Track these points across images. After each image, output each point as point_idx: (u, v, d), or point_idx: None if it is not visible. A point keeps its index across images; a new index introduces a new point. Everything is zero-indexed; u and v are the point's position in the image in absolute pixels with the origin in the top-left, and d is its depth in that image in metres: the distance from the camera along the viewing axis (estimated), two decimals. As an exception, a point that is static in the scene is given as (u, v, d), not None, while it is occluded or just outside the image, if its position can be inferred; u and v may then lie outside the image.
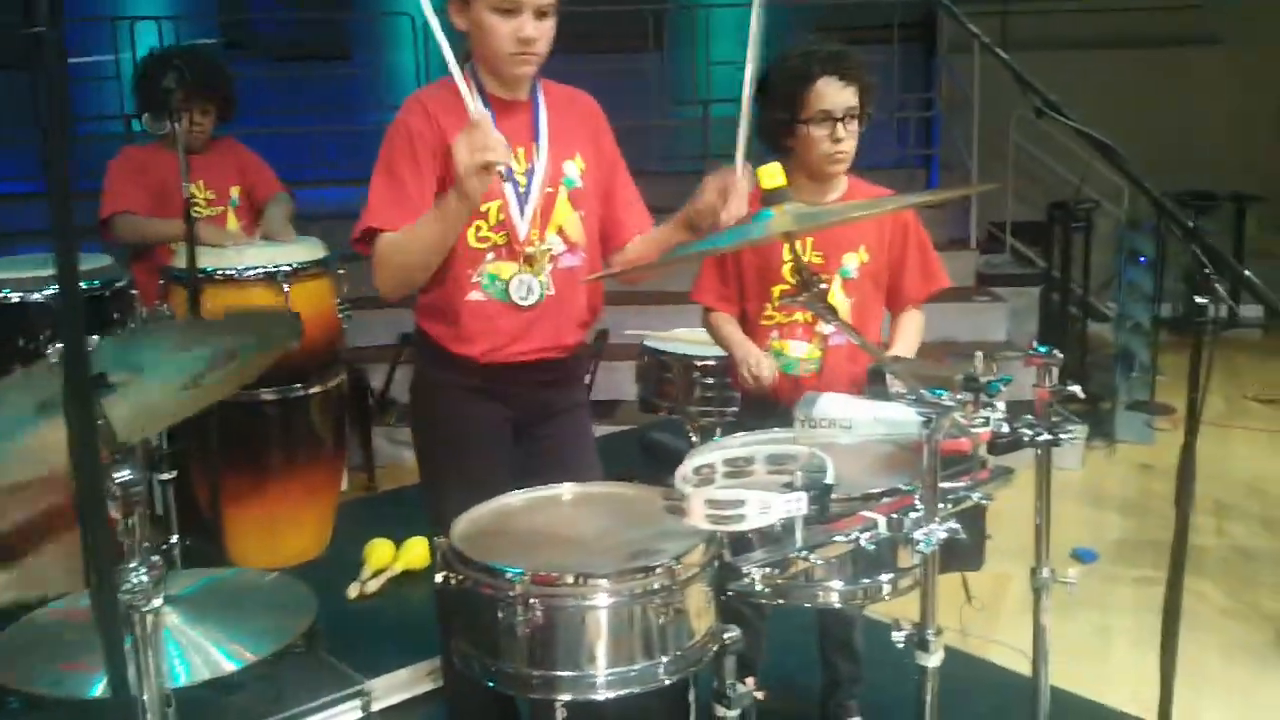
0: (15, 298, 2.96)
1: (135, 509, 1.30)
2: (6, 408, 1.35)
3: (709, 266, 2.53)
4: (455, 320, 2.20)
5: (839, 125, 2.37)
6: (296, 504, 3.65)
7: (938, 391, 1.62)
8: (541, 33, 2.10)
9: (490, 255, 2.17)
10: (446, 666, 2.47)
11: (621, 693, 1.57)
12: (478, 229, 2.15)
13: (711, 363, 3.31)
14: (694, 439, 3.38)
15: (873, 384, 1.86)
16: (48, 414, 1.32)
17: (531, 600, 1.55)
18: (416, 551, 3.49)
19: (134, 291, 3.24)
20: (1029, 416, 1.91)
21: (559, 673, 1.57)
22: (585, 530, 1.80)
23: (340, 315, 3.67)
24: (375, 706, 2.67)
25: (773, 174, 1.68)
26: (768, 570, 1.64)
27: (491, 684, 1.62)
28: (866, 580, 1.76)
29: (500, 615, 1.57)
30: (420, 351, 2.33)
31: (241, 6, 8.88)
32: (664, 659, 1.59)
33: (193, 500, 3.47)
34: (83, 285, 3.06)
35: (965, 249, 6.42)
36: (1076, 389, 1.98)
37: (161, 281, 3.47)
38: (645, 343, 3.58)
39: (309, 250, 3.59)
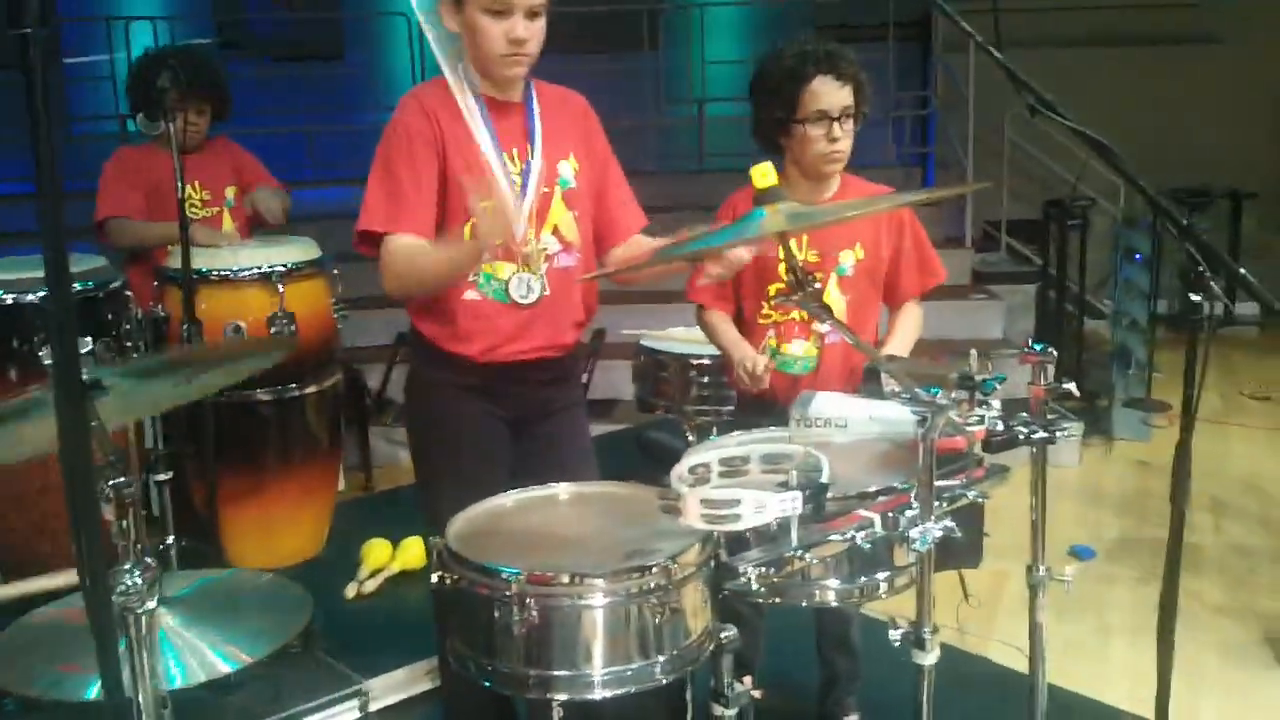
0: (10, 299, 2.95)
1: (129, 511, 1.30)
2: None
3: None
4: (451, 319, 2.20)
5: (835, 125, 2.36)
6: (293, 504, 3.65)
7: (932, 390, 1.62)
8: (532, 33, 2.11)
9: (486, 255, 2.16)
10: (444, 666, 2.47)
11: (618, 692, 1.57)
12: (474, 228, 2.15)
13: (708, 362, 3.31)
14: (691, 438, 3.38)
15: (868, 382, 1.86)
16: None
17: (527, 600, 1.55)
18: (413, 551, 3.49)
19: (128, 293, 3.24)
20: (1024, 414, 1.91)
21: (555, 672, 1.57)
22: (581, 530, 1.80)
23: (335, 315, 3.67)
24: (373, 706, 2.67)
25: (765, 173, 1.67)
26: (764, 569, 1.64)
27: (488, 684, 1.61)
28: (863, 579, 1.76)
29: (496, 615, 1.57)
30: (415, 351, 2.33)
31: (237, 6, 8.88)
32: (660, 658, 1.59)
33: (189, 501, 3.47)
34: (77, 287, 3.06)
35: (961, 247, 6.42)
36: (1071, 386, 1.97)
37: (156, 283, 3.47)
38: (641, 342, 3.58)
39: (304, 250, 3.59)
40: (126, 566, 1.30)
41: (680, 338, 3.53)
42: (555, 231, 2.21)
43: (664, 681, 1.60)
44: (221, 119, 3.77)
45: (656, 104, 7.65)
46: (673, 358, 3.42)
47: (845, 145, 2.40)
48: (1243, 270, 1.79)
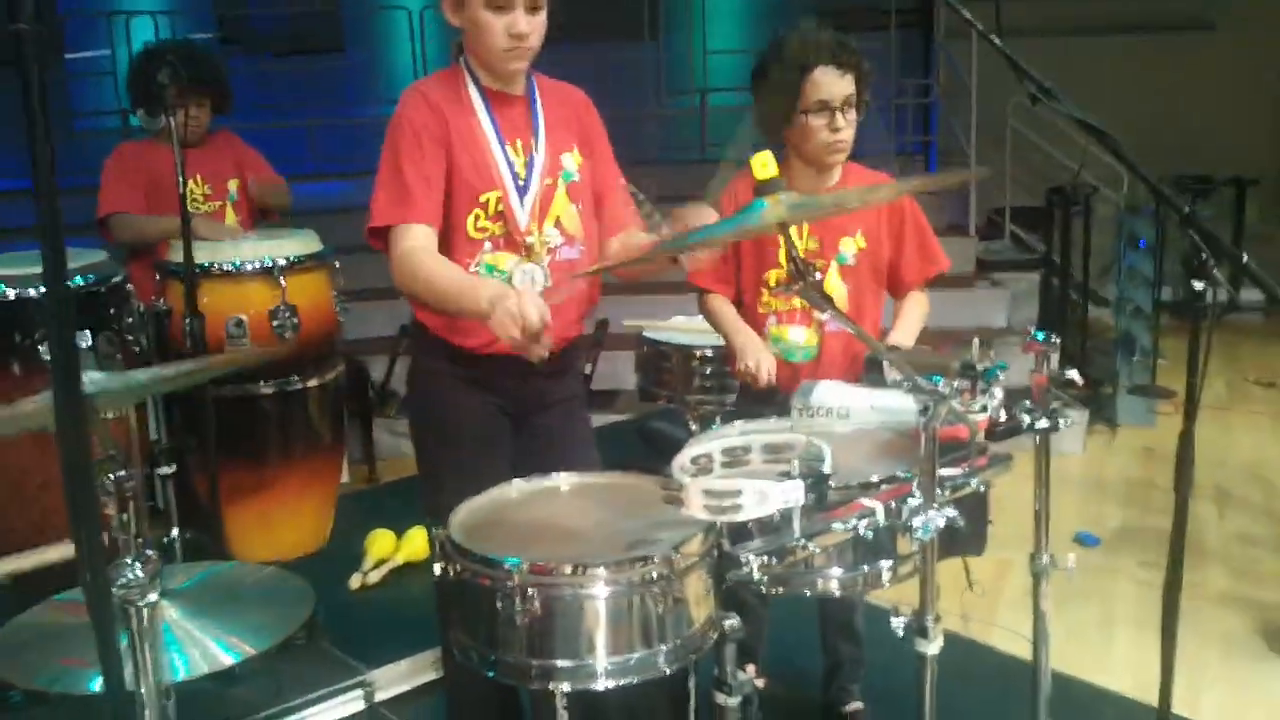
0: (11, 294, 2.95)
1: (130, 504, 1.30)
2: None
3: None
4: (453, 311, 2.20)
5: (837, 114, 2.36)
6: (295, 496, 3.65)
7: (934, 379, 1.62)
8: (534, 27, 2.10)
9: (488, 246, 2.17)
10: (447, 657, 2.48)
11: (621, 682, 1.57)
12: (476, 219, 2.15)
13: (710, 352, 3.31)
14: (693, 427, 3.38)
15: (870, 372, 1.85)
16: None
17: (530, 590, 1.55)
18: (418, 542, 3.49)
19: (130, 287, 3.24)
20: (1027, 403, 1.91)
21: (558, 662, 1.57)
22: (583, 520, 1.80)
23: (337, 308, 3.67)
24: (378, 697, 2.68)
25: (765, 163, 1.67)
26: (766, 559, 1.64)
27: (491, 674, 1.62)
28: (866, 567, 1.76)
29: (499, 606, 1.57)
30: (418, 343, 2.33)
31: (237, 1, 8.86)
32: (663, 648, 1.59)
33: (193, 494, 3.48)
34: (78, 281, 3.05)
35: (964, 236, 6.40)
36: (1074, 374, 1.97)
37: (158, 277, 3.47)
38: (644, 333, 3.58)
39: (305, 243, 3.58)
40: (128, 560, 1.30)
41: (682, 328, 3.53)
42: (558, 224, 2.21)
43: (667, 671, 1.60)
44: (222, 113, 3.77)
45: (658, 94, 7.64)
46: (675, 348, 3.42)
47: (848, 135, 2.39)
48: (1246, 257, 1.78)
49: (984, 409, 1.76)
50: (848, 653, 2.73)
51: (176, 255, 3.24)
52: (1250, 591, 3.54)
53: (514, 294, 1.85)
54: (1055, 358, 1.97)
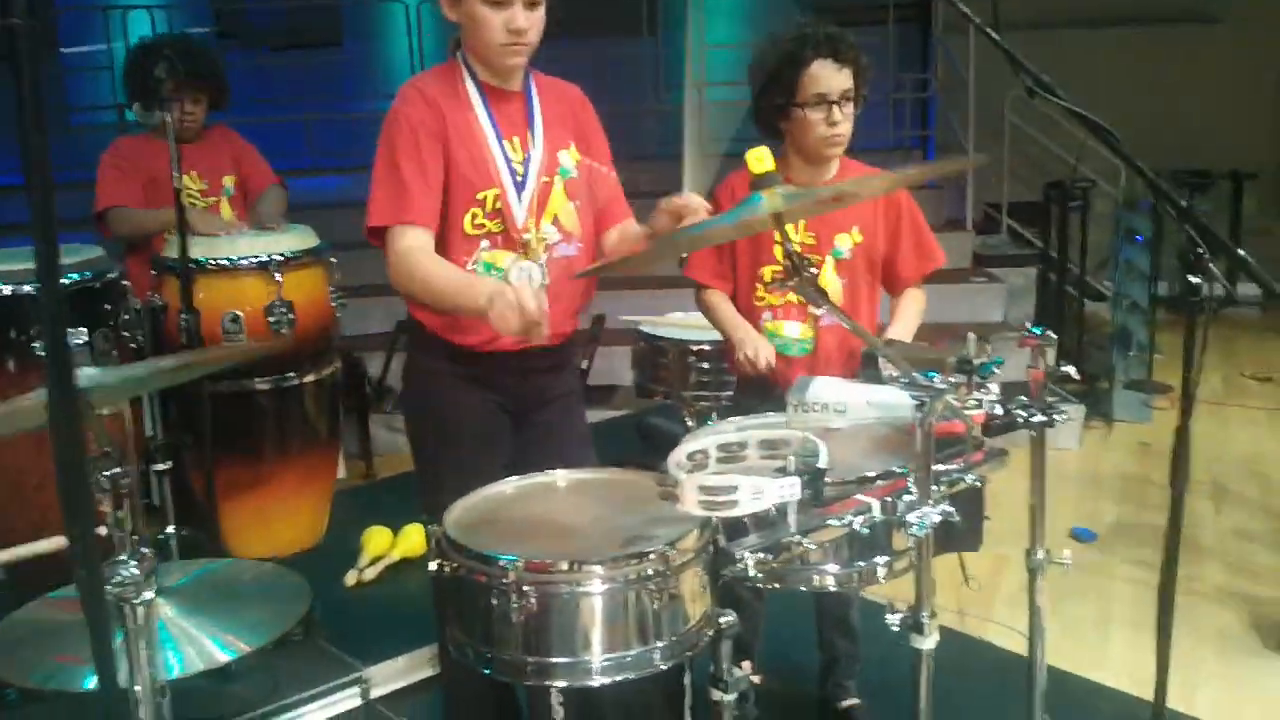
0: (7, 290, 2.95)
1: (125, 501, 1.29)
2: None
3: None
4: (451, 309, 2.19)
5: (834, 108, 2.35)
6: (291, 493, 3.65)
7: (930, 374, 1.62)
8: (532, 23, 2.10)
9: (485, 244, 2.16)
10: (444, 653, 2.48)
11: (617, 678, 1.57)
12: (473, 216, 2.15)
13: (706, 347, 3.31)
14: (690, 423, 3.38)
15: (866, 367, 1.85)
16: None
17: (525, 587, 1.55)
18: (414, 539, 3.49)
19: (126, 283, 3.23)
20: (1023, 398, 1.91)
21: (554, 659, 1.57)
22: (579, 517, 1.79)
23: (334, 304, 3.66)
24: (374, 694, 2.67)
25: (761, 158, 1.67)
26: (762, 555, 1.64)
27: (487, 671, 1.61)
28: (862, 563, 1.76)
29: (495, 603, 1.57)
30: (414, 340, 2.33)
31: (234, -6, 8.83)
32: (659, 644, 1.59)
33: (190, 491, 3.47)
34: (74, 277, 3.06)
35: (961, 230, 6.40)
36: (1071, 369, 1.97)
37: (154, 272, 3.46)
38: (640, 328, 3.58)
39: (302, 239, 3.58)
40: (122, 557, 1.30)
41: (679, 323, 3.53)
42: (555, 221, 2.21)
43: (663, 667, 1.59)
44: (218, 108, 3.76)
45: (656, 89, 7.63)
46: (672, 343, 3.42)
47: (845, 128, 2.39)
48: (1242, 252, 1.78)
49: (980, 404, 1.76)
50: (844, 648, 2.73)
51: (172, 251, 3.23)
52: (1246, 587, 3.55)
53: (511, 288, 1.86)
54: (1051, 353, 1.97)
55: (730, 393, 3.00)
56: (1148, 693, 1.97)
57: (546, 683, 1.60)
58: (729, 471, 1.79)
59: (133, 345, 3.22)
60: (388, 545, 3.53)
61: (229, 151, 3.84)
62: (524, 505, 1.84)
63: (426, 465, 2.32)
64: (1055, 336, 1.96)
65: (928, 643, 1.71)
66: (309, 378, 3.59)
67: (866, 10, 7.03)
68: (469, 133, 2.15)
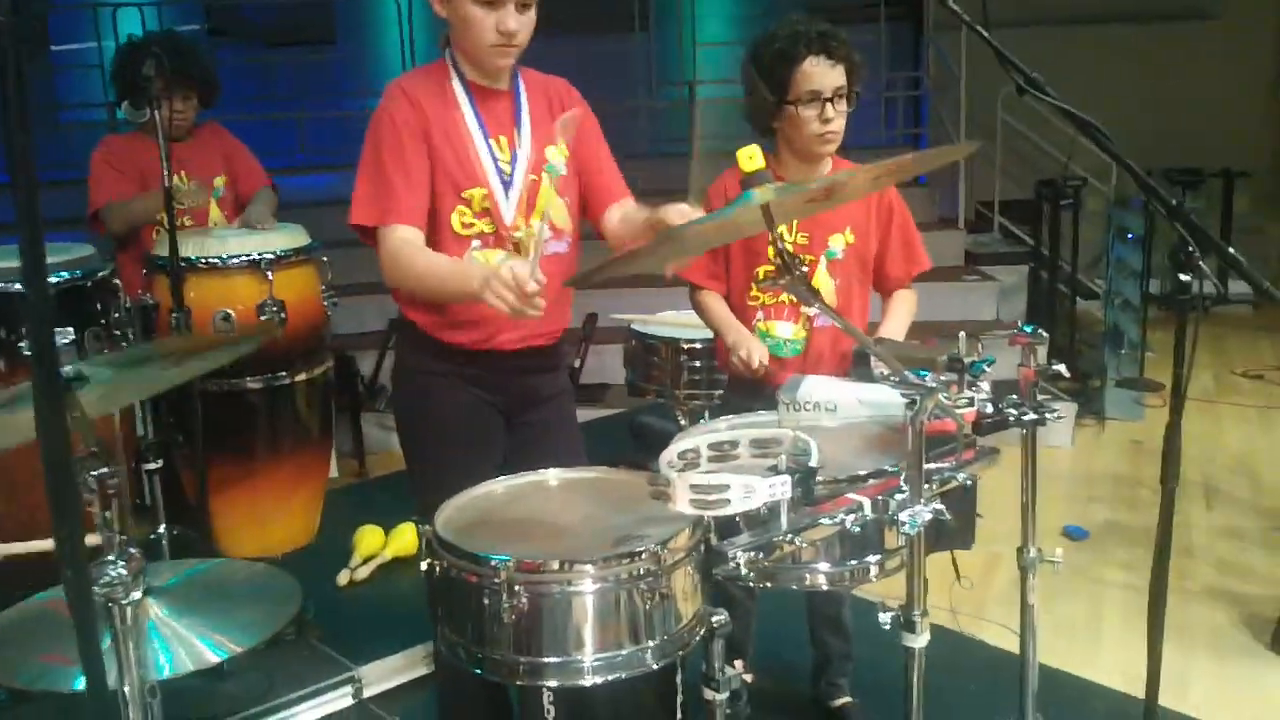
0: (-3, 288, 2.93)
1: (113, 501, 1.29)
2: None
3: None
4: (442, 309, 2.19)
5: (828, 105, 2.35)
6: (284, 492, 3.64)
7: (921, 373, 1.62)
8: (523, 25, 2.10)
9: (477, 243, 2.16)
10: (439, 652, 2.47)
11: (609, 678, 1.57)
12: (461, 215, 2.14)
13: (699, 346, 3.31)
14: (682, 422, 3.38)
15: (857, 366, 1.85)
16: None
17: (517, 587, 1.54)
18: (406, 538, 3.49)
19: (117, 281, 3.22)
20: (1014, 396, 1.91)
21: (546, 659, 1.57)
22: (570, 516, 1.79)
23: (325, 303, 3.65)
24: (366, 693, 2.68)
25: (752, 156, 1.66)
26: (753, 554, 1.63)
27: (478, 671, 1.61)
28: (854, 562, 1.76)
29: (486, 602, 1.57)
30: (405, 339, 2.32)
31: (225, -9, 8.80)
32: (651, 644, 1.59)
33: (181, 490, 3.46)
34: (64, 276, 3.04)
35: (954, 228, 6.41)
36: (1061, 368, 1.97)
37: (145, 271, 3.45)
38: (633, 327, 3.58)
39: (293, 238, 3.57)
40: (110, 558, 1.29)
41: (671, 322, 3.53)
42: (544, 218, 2.20)
43: (654, 667, 1.59)
44: (208, 106, 3.75)
45: (648, 87, 7.62)
46: (664, 342, 3.42)
47: (838, 126, 2.39)
48: (1232, 250, 1.78)
49: (971, 403, 1.77)
50: (836, 647, 2.73)
51: (163, 249, 3.22)
52: (1237, 584, 3.56)
53: (504, 266, 1.86)
54: (1043, 351, 1.97)
55: (722, 391, 3.00)
56: (1139, 690, 1.97)
57: (538, 683, 1.59)
58: (720, 470, 1.79)
59: (124, 344, 3.21)
60: (380, 544, 3.52)
61: (220, 149, 3.82)
62: (515, 505, 1.84)
63: (418, 465, 2.32)
64: (1046, 335, 1.96)
65: (920, 641, 1.71)
66: (301, 376, 3.58)
67: (858, 8, 7.03)
68: (454, 132, 2.14)
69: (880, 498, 1.67)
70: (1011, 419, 1.90)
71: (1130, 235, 5.44)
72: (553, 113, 2.24)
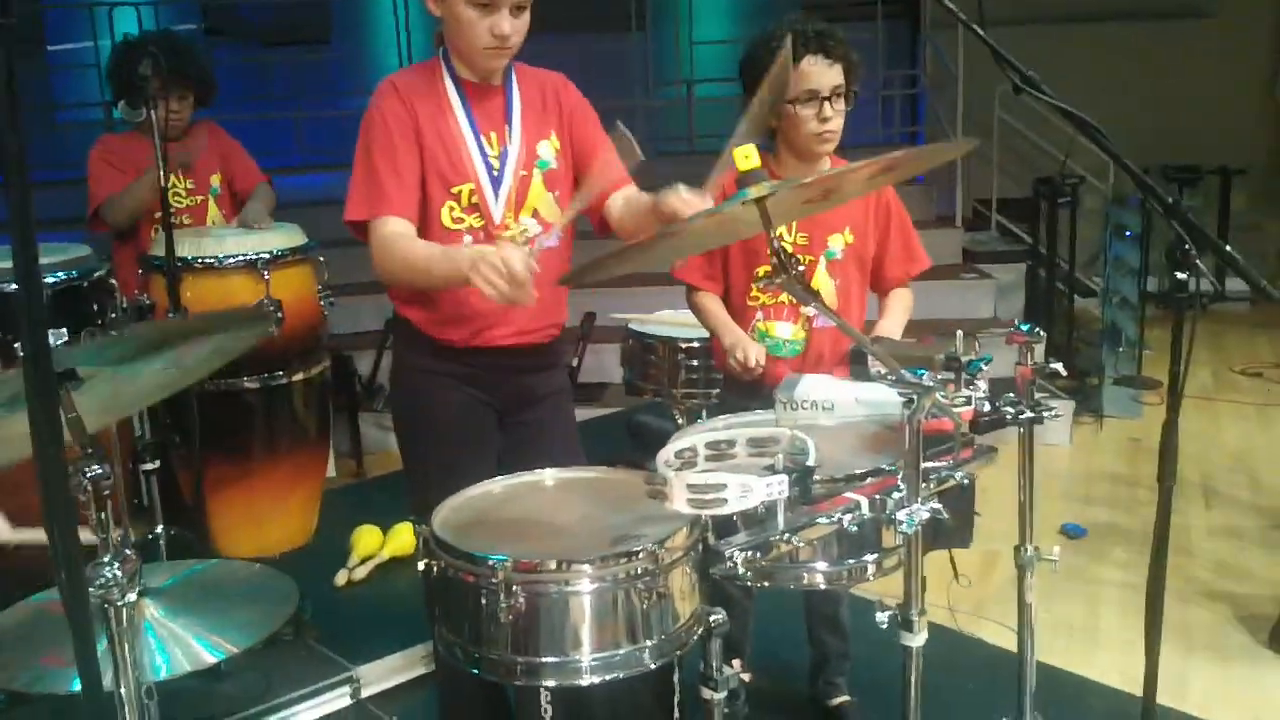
0: (-9, 289, 2.93)
1: (108, 503, 1.28)
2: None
3: None
4: (435, 305, 2.19)
5: (825, 104, 2.35)
6: (281, 492, 3.64)
7: (918, 372, 1.62)
8: (517, 28, 2.10)
9: (468, 239, 2.16)
10: (438, 652, 2.47)
11: (606, 678, 1.57)
12: (450, 209, 2.15)
13: (696, 345, 3.31)
14: (680, 421, 3.38)
15: (855, 365, 1.85)
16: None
17: (514, 587, 1.54)
18: (404, 538, 3.48)
19: (113, 281, 3.21)
20: (1011, 395, 1.91)
21: (543, 659, 1.57)
22: (567, 516, 1.79)
23: (322, 302, 3.65)
24: (364, 693, 2.68)
25: (747, 155, 1.66)
26: (751, 553, 1.63)
27: (475, 671, 1.61)
28: (851, 561, 1.75)
29: (483, 602, 1.57)
30: (401, 338, 2.32)
31: (222, -9, 8.79)
32: (649, 643, 1.59)
33: (178, 490, 3.46)
34: (60, 276, 3.04)
35: (951, 226, 6.41)
36: (1059, 366, 1.97)
37: (141, 271, 3.44)
38: (630, 326, 3.58)
39: (289, 237, 3.56)
40: (105, 559, 1.29)
41: (669, 321, 3.52)
42: (535, 214, 2.20)
43: (652, 666, 1.59)
44: (204, 105, 3.74)
45: (645, 86, 7.62)
46: (661, 341, 3.42)
47: (836, 124, 2.38)
48: (1230, 248, 1.78)
49: (969, 401, 1.76)
50: (834, 646, 2.73)
51: (160, 249, 3.21)
52: (1235, 582, 3.56)
53: (494, 249, 1.86)
54: (1040, 349, 1.97)
55: (719, 391, 3.00)
56: (1138, 688, 1.97)
57: (535, 683, 1.59)
58: (718, 470, 1.79)
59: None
60: (378, 544, 3.52)
61: (216, 149, 3.82)
62: (512, 504, 1.83)
63: (414, 464, 2.32)
64: (1043, 333, 1.96)
65: (917, 640, 1.71)
66: (298, 376, 3.58)
67: (855, 6, 7.03)
68: (444, 129, 2.15)
69: (878, 497, 1.67)
70: (1009, 417, 1.90)
71: (1128, 233, 5.44)
72: (547, 108, 2.24)
